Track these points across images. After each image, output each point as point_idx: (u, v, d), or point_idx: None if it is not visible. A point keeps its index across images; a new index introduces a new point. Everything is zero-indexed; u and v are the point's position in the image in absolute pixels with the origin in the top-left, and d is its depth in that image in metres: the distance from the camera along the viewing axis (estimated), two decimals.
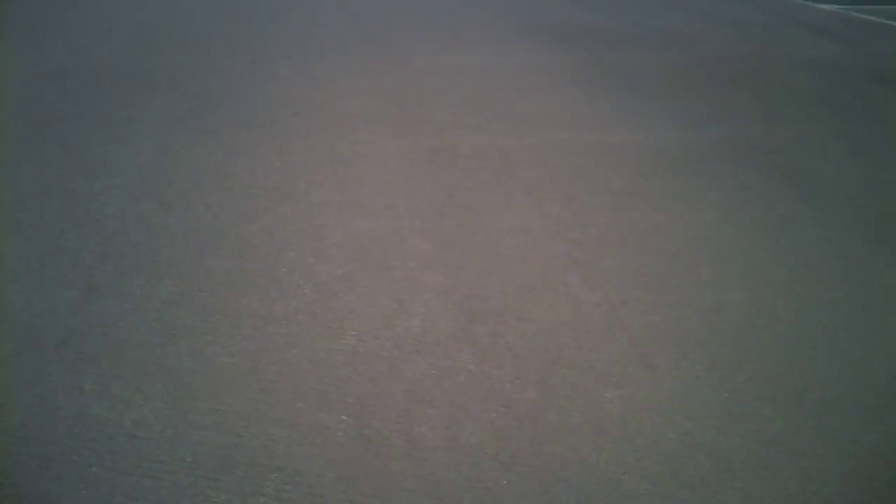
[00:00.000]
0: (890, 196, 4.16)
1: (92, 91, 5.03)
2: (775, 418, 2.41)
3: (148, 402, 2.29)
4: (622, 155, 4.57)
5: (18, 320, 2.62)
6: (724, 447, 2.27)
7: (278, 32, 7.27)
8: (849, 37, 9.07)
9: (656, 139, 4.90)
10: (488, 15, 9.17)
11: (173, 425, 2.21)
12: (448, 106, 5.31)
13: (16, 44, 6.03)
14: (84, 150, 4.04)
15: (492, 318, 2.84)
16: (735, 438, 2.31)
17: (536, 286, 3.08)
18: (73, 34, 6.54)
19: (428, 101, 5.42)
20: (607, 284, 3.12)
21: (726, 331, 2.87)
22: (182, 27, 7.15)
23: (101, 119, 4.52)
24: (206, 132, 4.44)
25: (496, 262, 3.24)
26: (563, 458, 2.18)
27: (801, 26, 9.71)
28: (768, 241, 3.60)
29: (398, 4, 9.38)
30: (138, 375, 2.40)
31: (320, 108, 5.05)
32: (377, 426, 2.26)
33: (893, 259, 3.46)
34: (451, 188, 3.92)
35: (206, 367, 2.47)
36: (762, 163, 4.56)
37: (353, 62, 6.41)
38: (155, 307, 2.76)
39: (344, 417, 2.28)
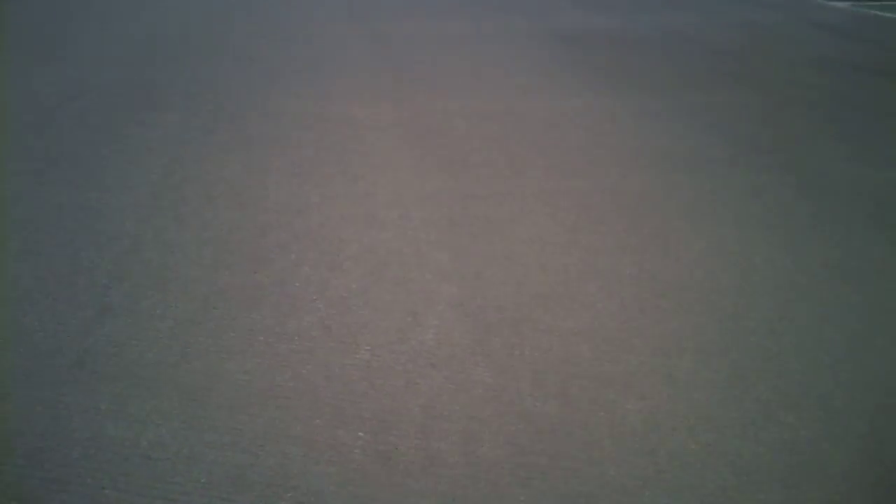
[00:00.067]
0: None
1: (105, 108, 5.04)
2: (799, 427, 2.37)
3: (164, 422, 2.27)
4: (639, 158, 4.53)
5: (33, 341, 2.61)
6: (746, 457, 2.23)
7: (291, 48, 7.27)
8: (863, 34, 8.99)
9: (675, 143, 4.86)
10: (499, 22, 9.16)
11: (189, 445, 2.19)
12: (461, 115, 5.29)
13: (27, 61, 6.05)
14: (98, 168, 4.04)
15: (508, 329, 2.81)
16: (758, 448, 2.27)
17: (553, 295, 3.04)
18: (86, 51, 6.57)
19: (439, 108, 5.39)
20: (625, 292, 3.08)
21: (747, 338, 2.83)
22: (195, 43, 7.16)
23: (114, 136, 4.52)
24: (219, 147, 4.44)
25: (512, 272, 3.21)
26: (583, 472, 2.14)
27: (815, 26, 9.63)
28: (787, 244, 3.55)
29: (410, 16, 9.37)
30: (154, 395, 2.38)
31: (333, 121, 5.03)
32: (394, 442, 2.23)
33: None
34: (465, 197, 3.90)
35: (222, 384, 2.44)
36: (778, 166, 4.52)
37: (365, 76, 6.39)
38: (169, 325, 2.74)
39: (361, 434, 2.25)
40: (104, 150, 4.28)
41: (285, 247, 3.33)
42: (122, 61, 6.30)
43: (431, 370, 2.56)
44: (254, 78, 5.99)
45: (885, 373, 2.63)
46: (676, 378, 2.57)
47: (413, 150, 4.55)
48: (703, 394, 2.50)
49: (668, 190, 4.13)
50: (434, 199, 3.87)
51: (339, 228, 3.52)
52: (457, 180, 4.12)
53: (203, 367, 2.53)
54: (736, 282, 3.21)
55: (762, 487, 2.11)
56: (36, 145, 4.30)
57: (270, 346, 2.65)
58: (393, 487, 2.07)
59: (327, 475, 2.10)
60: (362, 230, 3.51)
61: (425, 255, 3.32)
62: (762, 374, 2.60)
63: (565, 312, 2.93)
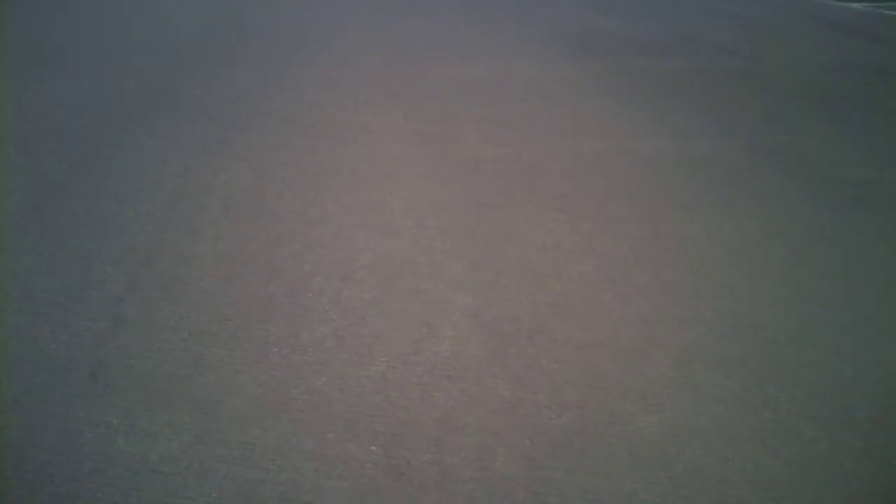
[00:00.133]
0: None
1: (119, 117, 5.04)
2: (820, 440, 2.33)
3: (175, 436, 2.25)
4: (654, 164, 4.49)
5: (46, 354, 2.60)
6: (766, 471, 2.19)
7: (305, 54, 7.27)
8: (881, 35, 8.90)
9: (689, 148, 4.82)
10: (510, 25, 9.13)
11: (200, 459, 2.17)
12: (472, 119, 5.26)
13: (40, 70, 6.07)
14: (112, 178, 4.03)
15: (523, 339, 2.78)
16: (778, 461, 2.23)
17: (569, 305, 3.01)
18: (99, 60, 6.58)
19: (452, 115, 5.36)
20: (641, 300, 3.04)
21: (767, 348, 2.78)
22: (209, 51, 7.17)
23: (128, 146, 4.51)
24: (234, 156, 4.42)
25: (527, 281, 3.18)
26: (600, 487, 2.11)
27: (832, 27, 9.55)
28: (807, 251, 3.50)
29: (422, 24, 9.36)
30: (166, 408, 2.36)
31: (347, 129, 5.02)
32: (408, 457, 2.20)
33: None
34: (480, 205, 3.86)
35: (234, 397, 2.42)
36: (797, 171, 4.47)
37: (377, 82, 6.38)
38: (182, 337, 2.72)
39: (373, 448, 2.23)
40: (118, 160, 4.28)
41: (299, 257, 3.31)
42: (135, 70, 6.31)
43: (447, 382, 2.53)
44: (269, 86, 5.99)
45: None
46: (694, 389, 2.53)
47: (428, 158, 4.52)
48: (721, 406, 2.46)
49: (683, 195, 4.08)
50: (449, 207, 3.84)
51: (353, 238, 3.50)
52: (472, 188, 4.09)
53: (216, 379, 2.51)
54: (754, 290, 3.17)
55: (782, 503, 2.07)
56: (50, 155, 4.30)
57: (284, 358, 2.63)
58: (406, 503, 2.04)
59: (339, 490, 2.07)
60: (376, 239, 3.49)
61: (440, 265, 3.29)
62: (782, 386, 2.56)
63: (581, 322, 2.89)
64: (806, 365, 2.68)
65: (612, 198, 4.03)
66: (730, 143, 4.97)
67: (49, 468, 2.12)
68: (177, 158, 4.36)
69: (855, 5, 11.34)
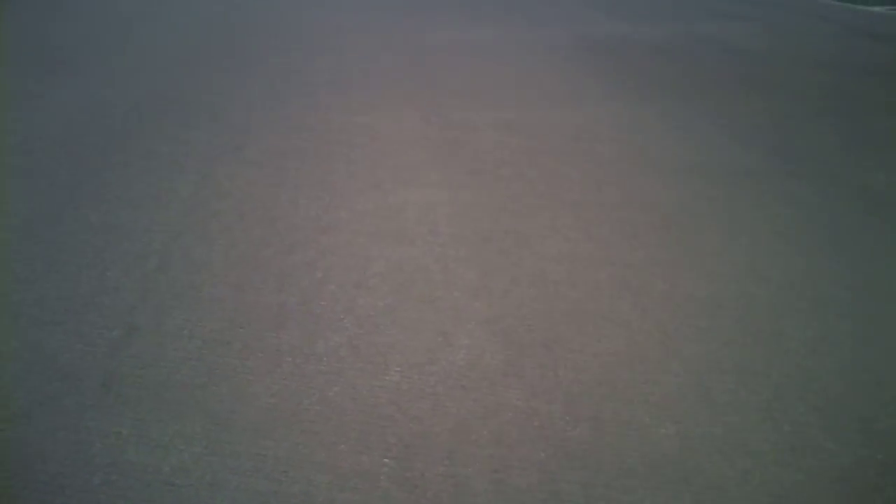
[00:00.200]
0: None
1: (132, 124, 5.04)
2: (841, 453, 2.28)
3: (187, 447, 2.23)
4: (673, 169, 4.45)
5: (58, 363, 2.58)
6: (786, 485, 2.15)
7: (318, 58, 7.26)
8: None
9: (705, 153, 4.77)
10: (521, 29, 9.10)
11: (212, 471, 2.15)
12: (488, 127, 5.23)
13: (52, 78, 6.08)
14: (126, 186, 4.02)
15: (539, 349, 2.75)
16: (798, 475, 2.19)
17: (585, 314, 2.97)
18: (111, 66, 6.59)
19: (468, 120, 5.33)
20: (659, 310, 3.01)
21: (787, 358, 2.74)
22: (222, 57, 7.18)
23: (142, 153, 4.51)
24: (248, 164, 4.41)
25: (543, 289, 3.14)
26: (616, 501, 2.07)
27: (852, 30, 9.47)
28: (827, 260, 3.46)
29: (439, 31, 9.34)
30: (178, 419, 2.34)
31: (362, 135, 5.00)
32: (421, 469, 2.17)
33: None
34: (494, 211, 3.83)
35: (247, 408, 2.40)
36: (817, 177, 4.42)
37: (391, 86, 6.36)
38: (196, 346, 2.70)
39: (387, 460, 2.20)
40: (133, 168, 4.27)
41: (312, 264, 3.29)
42: (148, 76, 6.31)
43: (461, 392, 2.50)
44: (283, 92, 5.98)
45: None
46: (713, 401, 2.49)
47: (442, 164, 4.50)
48: (740, 417, 2.42)
49: (701, 202, 4.04)
50: (463, 213, 3.81)
51: (367, 245, 3.47)
52: (486, 194, 4.06)
53: (229, 389, 2.48)
54: (774, 299, 3.13)
55: None
56: (63, 163, 4.30)
57: (298, 368, 2.60)
58: None
59: (352, 503, 2.05)
60: (390, 246, 3.47)
61: (454, 272, 3.26)
62: (802, 397, 2.52)
63: (598, 332, 2.86)
64: (826, 375, 2.64)
65: (628, 205, 3.99)
66: (745, 148, 4.92)
67: (60, 479, 2.10)
68: (191, 165, 4.35)
69: (877, 9, 11.23)
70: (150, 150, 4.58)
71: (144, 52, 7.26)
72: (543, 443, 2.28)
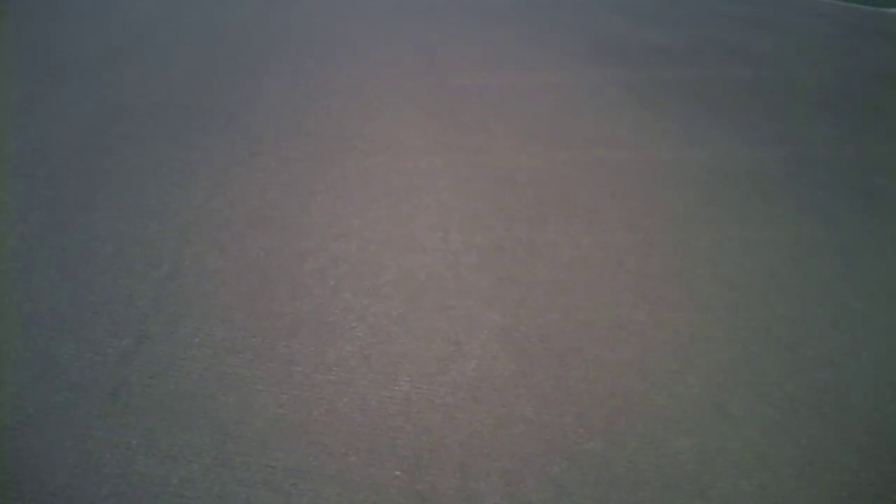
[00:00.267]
0: None
1: (148, 130, 5.04)
2: (861, 468, 2.24)
3: (196, 458, 2.21)
4: (688, 176, 4.40)
5: (69, 372, 2.57)
6: (804, 501, 2.10)
7: (333, 64, 7.25)
8: None
9: (719, 159, 4.72)
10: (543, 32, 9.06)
11: (221, 482, 2.13)
12: (505, 134, 5.20)
13: (69, 84, 6.10)
14: (140, 193, 4.01)
15: (552, 359, 2.71)
16: (815, 491, 2.15)
17: (600, 323, 2.93)
18: (128, 73, 6.61)
19: (482, 126, 5.30)
20: (675, 319, 2.96)
21: (805, 370, 2.69)
22: (239, 63, 7.18)
23: (157, 160, 4.50)
24: (262, 170, 4.40)
25: (557, 298, 3.11)
26: None
27: (874, 34, 9.39)
28: (848, 269, 3.40)
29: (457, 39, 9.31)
30: (187, 429, 2.33)
31: (376, 141, 4.98)
32: (432, 481, 2.14)
33: None
34: (509, 219, 3.80)
35: (256, 418, 2.38)
36: (837, 184, 4.36)
37: (406, 92, 6.34)
38: (206, 355, 2.68)
39: (397, 473, 2.17)
40: (147, 175, 4.27)
41: (325, 272, 3.27)
42: (164, 83, 6.32)
43: (473, 404, 2.47)
44: (298, 97, 5.97)
45: None
46: (729, 413, 2.45)
47: (456, 171, 4.47)
48: (757, 431, 2.38)
49: (719, 210, 3.99)
50: (477, 221, 3.78)
51: (379, 253, 3.45)
52: (501, 201, 4.02)
53: (238, 399, 2.46)
54: (792, 309, 3.08)
55: None
56: (77, 169, 4.30)
57: (308, 377, 2.58)
58: None
59: None
60: (403, 254, 3.44)
61: (467, 281, 3.23)
62: (821, 410, 2.48)
63: (612, 342, 2.82)
64: (845, 388, 2.59)
65: (643, 211, 3.94)
66: (765, 153, 4.87)
67: (69, 490, 2.08)
68: (205, 171, 4.34)
69: (893, 10, 11.13)
70: (165, 156, 4.57)
71: (160, 58, 7.27)
72: (557, 456, 2.25)
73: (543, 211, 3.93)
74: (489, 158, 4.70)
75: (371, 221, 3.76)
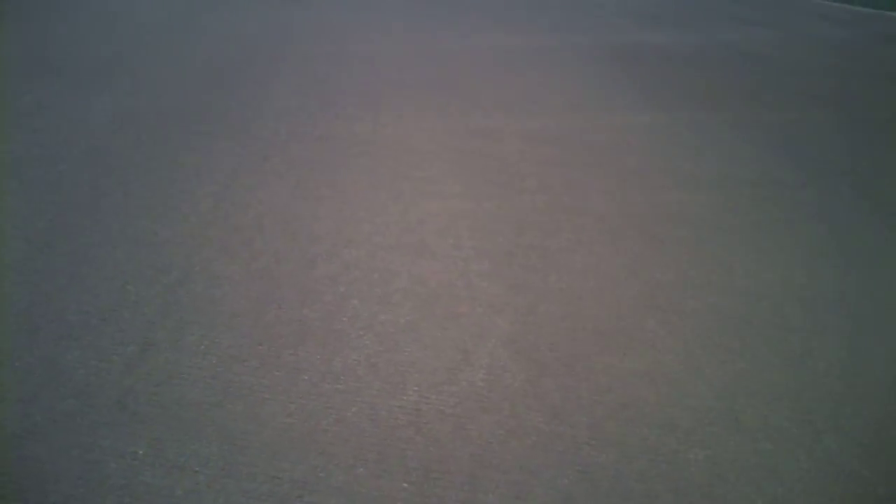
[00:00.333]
0: None
1: (159, 135, 5.03)
2: (876, 481, 2.20)
3: (202, 469, 2.19)
4: (699, 183, 4.36)
5: (74, 379, 2.55)
6: None
7: (346, 71, 7.24)
8: None
9: (735, 165, 4.68)
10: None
11: (226, 494, 2.10)
12: (515, 136, 5.17)
13: (82, 88, 6.09)
14: (149, 197, 4.00)
15: (563, 369, 2.68)
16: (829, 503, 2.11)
17: (611, 332, 2.90)
18: (140, 77, 6.60)
19: (494, 130, 5.27)
20: (687, 328, 2.93)
21: (818, 381, 2.65)
22: (250, 68, 7.17)
23: (167, 164, 4.49)
24: (272, 175, 4.38)
25: (567, 306, 3.07)
26: None
27: (883, 38, 9.32)
28: (862, 277, 3.36)
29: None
30: (193, 438, 2.30)
31: (387, 146, 4.95)
32: (440, 494, 2.11)
33: None
34: (520, 225, 3.77)
35: (263, 428, 2.35)
36: (851, 190, 4.31)
37: (419, 99, 6.31)
38: (212, 363, 2.66)
39: (405, 485, 2.14)
40: (157, 179, 4.25)
41: (334, 279, 3.24)
42: (177, 87, 6.31)
43: (482, 414, 2.44)
44: (309, 102, 5.95)
45: None
46: (742, 424, 2.42)
47: (466, 174, 4.44)
48: (770, 442, 2.34)
49: (732, 216, 3.95)
50: (488, 226, 3.75)
51: (389, 259, 3.42)
52: (512, 206, 3.99)
53: (245, 408, 2.44)
54: (806, 318, 3.04)
55: None
56: (88, 174, 4.29)
57: (315, 386, 2.55)
58: None
59: None
60: (413, 260, 3.41)
61: (477, 288, 3.20)
62: (835, 422, 2.44)
63: (624, 351, 2.78)
64: (860, 399, 2.55)
65: (657, 218, 3.91)
66: (778, 160, 4.83)
67: (72, 501, 2.06)
68: (215, 176, 4.32)
69: None
70: (175, 160, 4.55)
71: (171, 63, 7.26)
72: (567, 468, 2.22)
73: (554, 216, 3.90)
74: (499, 162, 4.67)
75: (381, 227, 3.73)
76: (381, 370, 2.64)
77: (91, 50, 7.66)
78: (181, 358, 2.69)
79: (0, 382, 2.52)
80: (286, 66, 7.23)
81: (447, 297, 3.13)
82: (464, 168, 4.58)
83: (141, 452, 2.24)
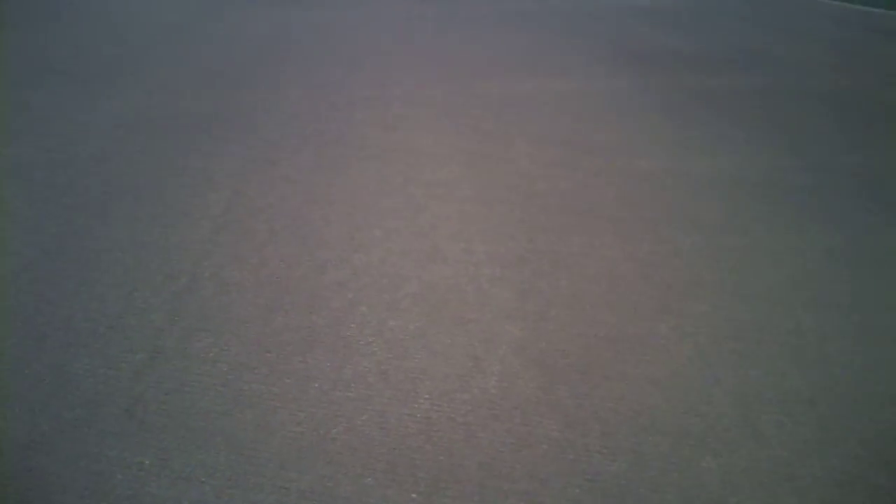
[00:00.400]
0: None
1: (169, 139, 5.02)
2: (893, 489, 2.15)
3: (209, 479, 2.17)
4: (712, 185, 4.32)
5: (82, 388, 2.53)
6: None
7: (355, 74, 7.22)
8: None
9: (748, 168, 4.63)
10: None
11: None
12: (525, 139, 5.14)
13: (92, 91, 6.10)
14: (159, 202, 3.99)
15: (575, 375, 2.64)
16: None
17: (623, 338, 2.86)
18: (151, 81, 6.60)
19: (503, 134, 5.24)
20: (700, 334, 2.89)
21: (834, 387, 2.61)
22: (260, 71, 7.16)
23: (177, 168, 4.48)
24: (282, 178, 4.36)
25: (579, 312, 3.04)
26: None
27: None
28: (877, 281, 3.31)
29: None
30: (201, 448, 2.28)
31: (396, 150, 4.93)
32: None
33: None
34: (531, 230, 3.74)
35: (271, 437, 2.33)
36: (867, 193, 4.26)
37: (427, 101, 6.29)
38: (221, 371, 2.64)
39: (414, 495, 2.11)
40: (166, 184, 4.24)
41: (343, 285, 3.22)
42: (188, 91, 6.31)
43: (493, 422, 2.41)
44: (319, 106, 5.94)
45: None
46: (757, 432, 2.38)
47: (477, 179, 4.41)
48: (785, 450, 2.30)
49: (745, 220, 3.91)
50: (498, 231, 3.72)
51: (399, 264, 3.40)
52: (523, 211, 3.96)
53: (254, 417, 2.42)
54: (820, 323, 2.99)
55: None
56: (97, 178, 4.28)
57: (325, 394, 2.53)
58: None
59: None
60: (423, 266, 3.38)
61: (488, 293, 3.17)
62: (851, 429, 2.40)
63: (636, 357, 2.75)
64: (876, 406, 2.51)
65: (668, 221, 3.87)
66: (790, 162, 4.78)
67: None
68: (225, 181, 4.31)
69: None
70: (184, 165, 4.55)
71: (181, 68, 7.27)
72: (579, 478, 2.18)
73: (566, 221, 3.86)
74: (511, 166, 4.64)
75: (391, 232, 3.71)
76: (392, 377, 2.62)
77: (98, 54, 7.67)
78: (190, 366, 2.67)
79: (7, 391, 2.51)
80: (293, 70, 7.22)
81: (457, 303, 3.10)
82: (474, 172, 4.54)
83: (148, 462, 2.22)
